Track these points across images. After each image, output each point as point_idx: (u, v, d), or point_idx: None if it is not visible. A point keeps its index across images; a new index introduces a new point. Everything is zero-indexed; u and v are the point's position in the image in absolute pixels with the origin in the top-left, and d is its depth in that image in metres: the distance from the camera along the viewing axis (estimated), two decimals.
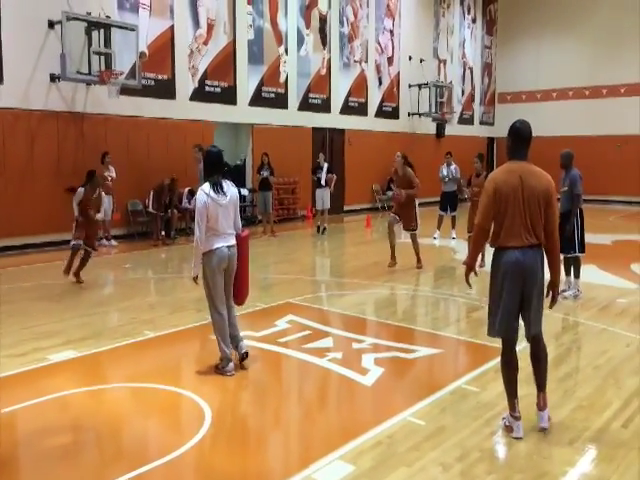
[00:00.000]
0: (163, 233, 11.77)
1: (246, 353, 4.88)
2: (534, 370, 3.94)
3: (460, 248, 11.32)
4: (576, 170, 7.14)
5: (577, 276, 7.39)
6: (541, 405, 3.86)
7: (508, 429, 3.80)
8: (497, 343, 5.32)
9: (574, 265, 7.37)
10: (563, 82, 22.68)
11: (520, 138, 3.75)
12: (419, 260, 9.35)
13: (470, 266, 4.02)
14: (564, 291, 7.41)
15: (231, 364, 4.77)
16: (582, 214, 7.23)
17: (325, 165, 13.17)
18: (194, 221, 4.71)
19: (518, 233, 3.65)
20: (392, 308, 7.31)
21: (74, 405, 4.26)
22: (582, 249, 7.24)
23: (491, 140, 24.64)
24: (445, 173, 12.46)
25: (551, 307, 3.97)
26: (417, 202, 9.18)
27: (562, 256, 7.28)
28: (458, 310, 7.26)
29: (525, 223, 3.64)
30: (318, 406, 4.46)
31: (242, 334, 5.36)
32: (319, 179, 13.15)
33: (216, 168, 4.76)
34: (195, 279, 4.77)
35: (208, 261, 4.68)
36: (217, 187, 4.66)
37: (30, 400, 4.23)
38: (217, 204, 4.63)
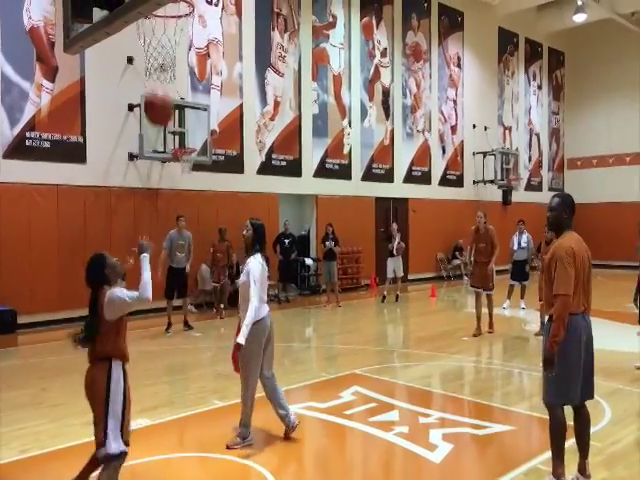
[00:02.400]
0: (222, 305, 11.86)
1: (296, 426, 4.83)
2: (579, 436, 3.96)
3: (530, 318, 10.91)
4: None
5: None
6: (582, 470, 3.88)
7: None
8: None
9: None
10: (637, 146, 22.06)
11: (572, 210, 4.00)
12: (491, 324, 9.23)
13: (559, 342, 3.70)
14: None
15: (250, 433, 4.76)
16: None
17: (398, 235, 13.23)
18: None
19: (584, 300, 3.83)
20: (460, 381, 7.05)
21: (145, 474, 4.30)
22: None
23: None
24: (517, 242, 12.21)
25: None
26: (494, 264, 9.27)
27: None
28: (531, 384, 6.91)
29: (589, 289, 3.88)
30: None
31: (306, 405, 5.33)
32: (391, 248, 13.18)
33: (264, 240, 4.99)
34: (238, 347, 4.50)
35: (256, 329, 4.63)
36: (266, 259, 4.90)
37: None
38: (265, 274, 4.83)
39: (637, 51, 21.77)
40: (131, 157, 11.41)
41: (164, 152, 11.41)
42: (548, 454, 4.48)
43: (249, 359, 4.69)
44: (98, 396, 3.61)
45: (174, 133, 11.58)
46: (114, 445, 3.54)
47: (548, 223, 4.08)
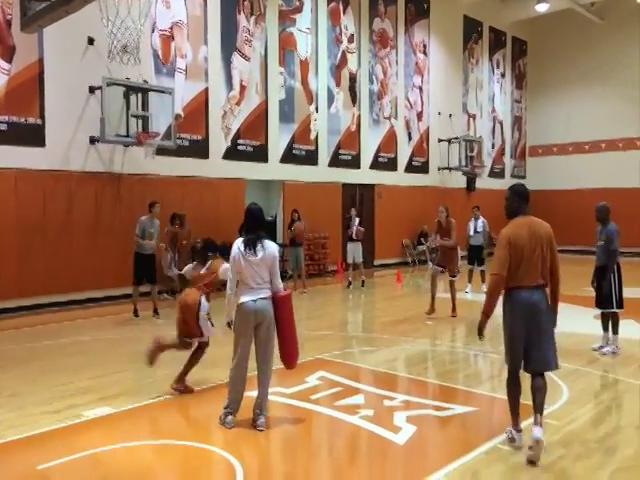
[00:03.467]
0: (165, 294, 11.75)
1: (260, 430, 4.75)
2: (536, 397, 4.31)
3: None
4: (613, 224, 7.02)
5: (615, 332, 7.18)
6: (537, 422, 4.22)
7: (511, 440, 4.39)
8: (531, 401, 5.19)
9: (612, 321, 7.17)
10: (595, 134, 22.62)
11: (524, 197, 4.48)
12: (454, 309, 9.44)
13: (488, 315, 4.43)
14: (601, 347, 7.20)
15: (231, 417, 4.78)
16: (619, 269, 7.07)
17: (357, 220, 13.28)
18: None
19: (528, 276, 4.25)
20: (424, 364, 7.18)
21: (107, 462, 4.26)
22: (620, 305, 7.06)
23: None
24: (472, 227, 12.46)
25: (554, 321, 4.44)
26: (459, 252, 9.73)
27: (600, 312, 7.17)
28: (491, 367, 7.09)
29: (534, 267, 4.25)
30: (349, 465, 4.37)
31: (272, 390, 5.34)
32: (351, 233, 13.25)
33: (255, 225, 4.86)
34: (229, 325, 4.95)
35: (236, 315, 4.80)
36: (249, 244, 4.76)
37: (64, 457, 4.26)
38: (245, 259, 4.72)
39: (597, 41, 22.24)
40: (92, 141, 11.13)
41: (127, 136, 11.16)
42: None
43: (234, 341, 4.85)
44: (194, 309, 5.57)
45: (137, 116, 11.34)
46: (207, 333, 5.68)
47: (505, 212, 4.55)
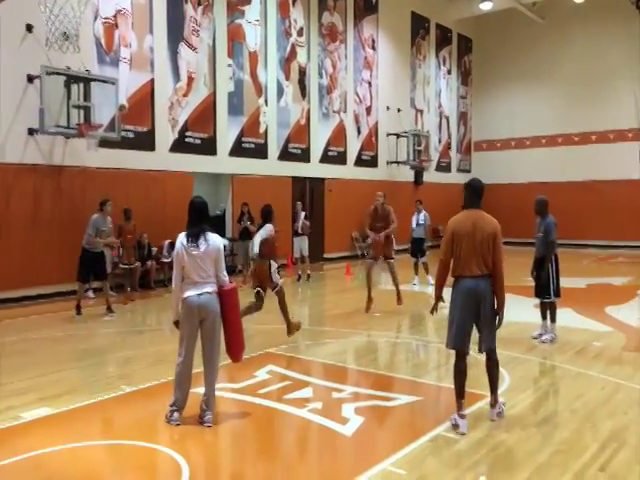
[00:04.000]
0: (129, 289, 11.48)
1: (208, 426, 4.68)
2: (488, 377, 4.80)
3: None
4: (551, 217, 7.29)
5: (553, 320, 7.46)
6: (492, 403, 4.77)
7: (455, 427, 4.53)
8: (476, 389, 5.36)
9: (550, 310, 7.45)
10: (537, 130, 23.42)
11: (475, 192, 4.74)
12: (399, 297, 9.49)
13: (437, 296, 4.92)
14: (540, 335, 7.47)
15: (177, 414, 4.71)
16: (557, 259, 7.35)
17: (302, 214, 13.28)
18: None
19: (471, 266, 4.55)
20: (372, 356, 7.27)
21: (48, 464, 4.12)
22: (558, 293, 7.35)
23: None
24: (415, 220, 12.71)
25: (498, 327, 4.71)
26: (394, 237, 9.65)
27: (539, 300, 7.43)
28: (438, 356, 7.24)
29: (477, 258, 4.54)
30: (298, 458, 4.38)
31: (220, 385, 5.30)
32: (297, 227, 13.24)
33: (197, 218, 4.79)
34: (175, 324, 4.86)
35: (181, 310, 4.75)
36: (191, 237, 4.69)
37: (3, 460, 4.09)
38: (189, 253, 4.66)
39: (539, 40, 22.97)
40: (31, 132, 10.69)
41: (68, 127, 10.78)
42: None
43: (179, 337, 4.79)
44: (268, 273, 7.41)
45: (78, 107, 10.96)
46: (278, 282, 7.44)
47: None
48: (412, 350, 7.52)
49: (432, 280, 12.32)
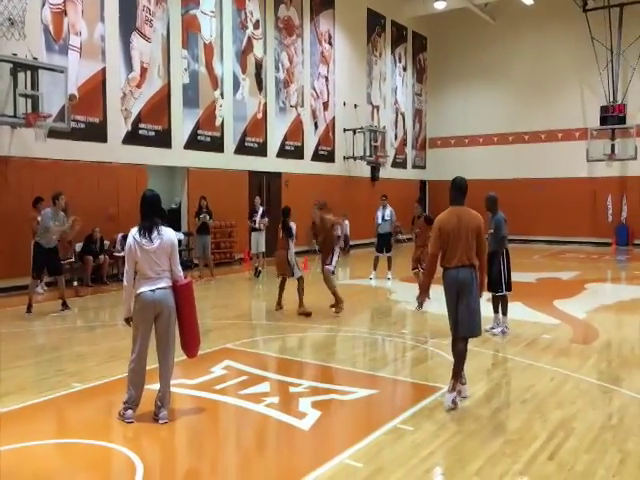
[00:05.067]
0: (76, 283, 11.17)
1: (163, 423, 4.62)
2: (457, 361, 5.06)
3: (396, 288, 11.53)
4: (501, 213, 7.49)
5: (505, 313, 7.66)
6: (451, 389, 4.96)
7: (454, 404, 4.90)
8: (431, 382, 5.45)
9: (502, 303, 7.65)
10: (489, 128, 23.96)
11: (459, 189, 5.12)
12: (337, 302, 8.95)
13: (424, 287, 5.45)
14: (492, 328, 7.66)
15: (130, 411, 4.63)
16: (508, 254, 7.55)
17: (261, 209, 13.20)
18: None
19: (456, 257, 4.94)
20: (329, 350, 7.30)
21: None
22: (509, 288, 7.55)
23: (423, 183, 25.53)
24: (380, 215, 12.76)
25: (480, 294, 5.12)
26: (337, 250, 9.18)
27: (490, 295, 7.62)
28: (394, 350, 7.35)
29: (461, 250, 4.92)
30: (256, 453, 4.36)
31: (176, 382, 5.22)
32: (254, 223, 13.14)
33: (149, 212, 4.68)
34: (126, 320, 4.76)
35: (135, 306, 4.65)
36: (144, 232, 4.60)
37: None
38: (142, 248, 4.57)
39: (490, 40, 23.48)
40: None
41: (14, 116, 10.37)
42: (408, 414, 4.84)
43: (133, 333, 4.69)
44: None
45: (26, 96, 10.56)
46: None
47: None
48: (369, 344, 7.59)
49: (390, 274, 12.49)
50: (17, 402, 5.12)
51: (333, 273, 9.07)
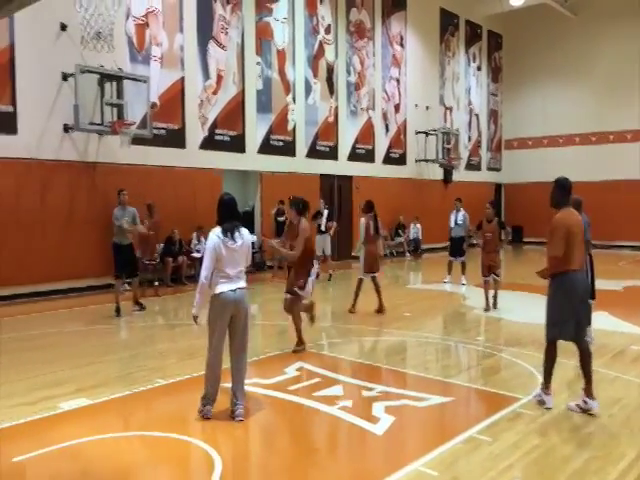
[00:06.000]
0: (157, 283, 11.58)
1: (239, 420, 4.72)
2: (585, 368, 4.98)
3: (470, 294, 11.27)
4: (585, 216, 7.14)
5: (589, 323, 7.30)
6: (589, 393, 4.94)
7: (540, 403, 5.01)
8: (509, 392, 5.29)
9: None
10: (569, 128, 22.98)
11: (566, 190, 4.99)
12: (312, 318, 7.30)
13: (545, 277, 5.08)
14: None
15: (209, 407, 4.74)
16: (592, 260, 7.20)
17: (325, 212, 13.21)
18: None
19: (579, 260, 4.88)
20: (402, 355, 7.23)
21: (84, 454, 4.21)
22: (593, 296, 7.18)
23: (498, 186, 24.81)
24: (453, 219, 12.52)
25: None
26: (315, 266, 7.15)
27: None
28: (469, 357, 7.18)
29: (580, 252, 4.89)
30: (328, 455, 4.39)
31: (251, 381, 5.33)
32: (319, 225, 13.17)
33: (228, 214, 4.80)
34: (195, 318, 4.82)
35: (212, 305, 4.74)
36: (228, 233, 4.72)
37: (41, 449, 4.20)
38: (227, 247, 4.68)
39: (571, 36, 22.54)
40: (66, 129, 10.91)
41: (101, 124, 10.97)
42: (485, 424, 4.71)
43: (209, 332, 4.77)
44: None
45: (111, 105, 11.15)
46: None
47: (550, 202, 5.04)
48: (442, 350, 7.46)
49: (464, 280, 12.23)
50: (105, 394, 5.41)
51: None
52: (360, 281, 9.34)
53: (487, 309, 9.44)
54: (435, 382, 5.96)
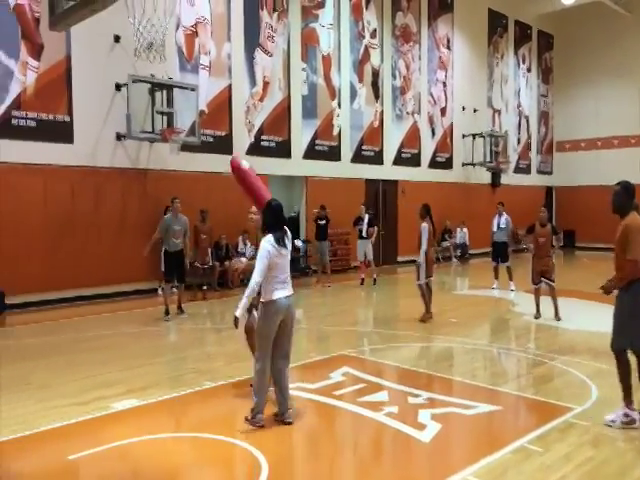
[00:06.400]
0: (205, 287, 11.71)
1: (289, 422, 4.76)
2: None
3: (519, 300, 11.01)
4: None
5: None
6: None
7: (630, 422, 4.64)
8: (561, 401, 5.14)
9: None
10: (624, 130, 22.17)
11: (632, 194, 4.75)
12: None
13: (616, 287, 4.77)
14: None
15: (260, 415, 4.74)
16: None
17: (366, 217, 13.15)
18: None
19: None
20: (448, 362, 7.13)
21: (134, 454, 4.32)
22: None
23: (549, 189, 24.17)
24: (496, 223, 12.28)
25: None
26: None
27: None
28: (518, 365, 7.01)
29: None
30: (374, 461, 4.36)
31: (296, 385, 5.35)
32: (360, 231, 13.13)
33: (275, 220, 4.84)
34: (236, 322, 4.66)
35: (266, 311, 4.72)
36: (279, 240, 4.75)
37: (94, 448, 4.33)
38: (280, 254, 4.73)
39: (626, 35, 21.77)
40: (119, 137, 11.27)
41: (152, 132, 11.28)
42: (535, 433, 4.58)
43: (258, 337, 4.79)
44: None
45: (162, 113, 11.44)
46: None
47: (612, 207, 4.79)
48: (490, 357, 7.31)
49: (513, 286, 11.97)
50: (155, 396, 5.54)
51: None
52: (425, 286, 9.17)
53: (537, 316, 9.19)
54: (483, 390, 5.85)
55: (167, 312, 9.36)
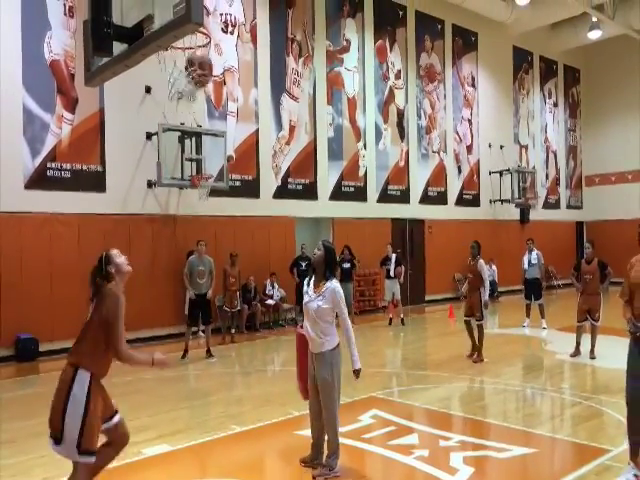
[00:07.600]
0: (233, 330, 11.69)
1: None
2: None
3: (552, 338, 10.76)
4: None
5: None
6: None
7: None
8: (597, 443, 4.97)
9: None
10: None
11: None
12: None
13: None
14: None
15: (336, 460, 4.65)
16: None
17: (394, 256, 13.13)
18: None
19: None
20: (480, 403, 6.97)
21: None
22: None
23: (579, 224, 23.80)
24: (526, 260, 12.09)
25: None
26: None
27: None
28: (551, 406, 6.81)
29: None
30: None
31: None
32: (388, 271, 13.09)
33: (335, 262, 4.85)
34: (359, 372, 4.69)
35: (336, 356, 4.66)
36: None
37: None
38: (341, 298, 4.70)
39: None
40: (149, 184, 11.60)
41: (182, 179, 11.58)
42: (571, 476, 4.44)
43: (334, 386, 4.65)
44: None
45: (191, 160, 11.76)
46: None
47: (638, 240, 4.52)
48: (524, 398, 7.13)
49: (545, 324, 11.72)
50: (185, 441, 5.55)
51: None
52: (481, 326, 9.03)
53: (574, 354, 8.94)
54: (517, 432, 5.70)
55: (185, 354, 9.60)
